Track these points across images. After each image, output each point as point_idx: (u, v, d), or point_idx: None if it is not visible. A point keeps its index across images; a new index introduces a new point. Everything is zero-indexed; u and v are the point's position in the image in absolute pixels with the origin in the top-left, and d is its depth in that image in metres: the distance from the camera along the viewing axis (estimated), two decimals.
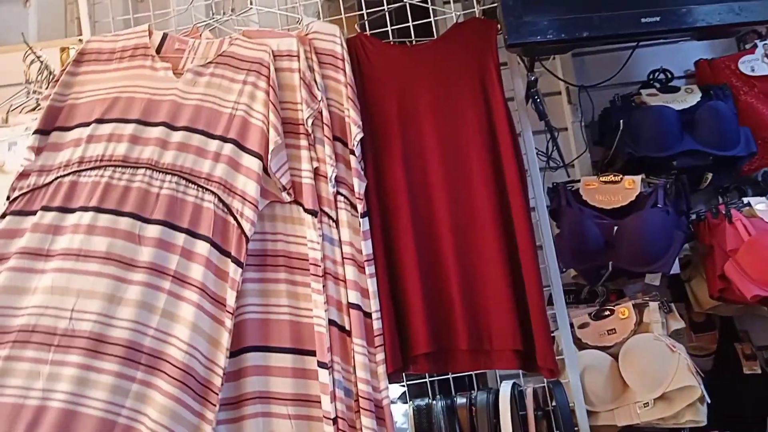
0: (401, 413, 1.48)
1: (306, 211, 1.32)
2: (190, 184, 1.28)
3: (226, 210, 1.27)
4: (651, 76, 1.83)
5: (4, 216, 1.25)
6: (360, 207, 1.34)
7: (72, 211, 1.25)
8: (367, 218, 1.34)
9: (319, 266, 1.28)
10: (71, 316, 1.17)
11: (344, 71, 1.42)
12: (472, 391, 1.46)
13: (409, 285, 1.34)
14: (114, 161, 1.29)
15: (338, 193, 1.35)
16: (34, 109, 1.57)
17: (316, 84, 1.39)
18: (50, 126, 1.33)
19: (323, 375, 1.22)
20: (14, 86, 1.67)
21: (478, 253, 1.36)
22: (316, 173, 1.35)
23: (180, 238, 1.24)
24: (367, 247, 1.32)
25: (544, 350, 1.28)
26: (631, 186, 1.61)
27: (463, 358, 1.34)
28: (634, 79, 1.86)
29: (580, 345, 1.54)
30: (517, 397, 1.41)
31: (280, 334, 1.25)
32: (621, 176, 1.62)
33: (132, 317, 1.17)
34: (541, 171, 1.54)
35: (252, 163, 1.30)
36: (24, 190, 1.27)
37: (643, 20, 1.43)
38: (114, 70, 1.40)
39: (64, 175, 1.28)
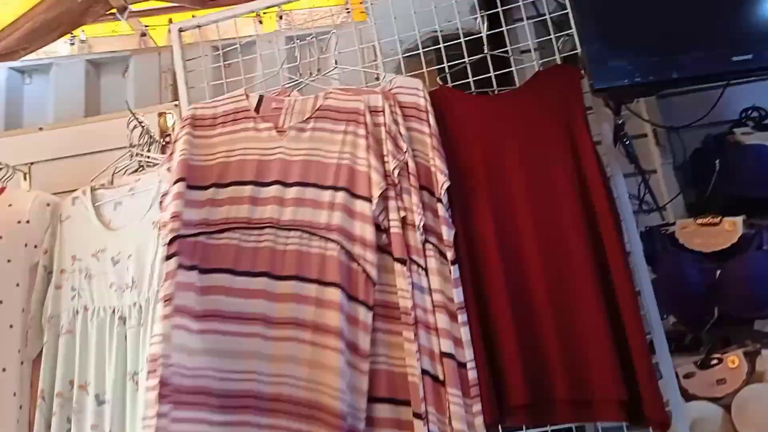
0: None
1: (395, 260, 1.32)
2: (312, 237, 1.33)
3: (349, 257, 1.31)
4: (744, 115, 1.77)
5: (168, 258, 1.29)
6: (449, 254, 1.33)
7: (208, 271, 1.30)
8: (457, 266, 1.33)
9: (410, 314, 1.27)
10: (231, 377, 1.23)
11: (428, 122, 1.44)
12: None
13: (503, 334, 1.30)
14: (240, 223, 1.35)
15: (426, 241, 1.35)
16: (136, 171, 1.66)
17: (401, 136, 1.42)
18: (170, 182, 1.39)
19: (419, 426, 1.19)
20: (117, 150, 1.77)
21: (575, 300, 1.32)
22: (404, 222, 1.36)
23: (312, 290, 1.28)
24: (458, 295, 1.31)
25: (652, 400, 1.22)
26: (732, 228, 1.54)
27: (564, 409, 1.28)
28: (724, 118, 1.80)
29: (687, 396, 1.45)
30: None
31: (377, 384, 1.24)
32: (720, 218, 1.56)
33: (285, 372, 1.22)
34: (634, 214, 1.50)
35: (365, 208, 1.34)
36: (174, 234, 1.31)
37: (734, 59, 1.39)
38: (219, 135, 1.46)
39: (194, 234, 1.33)
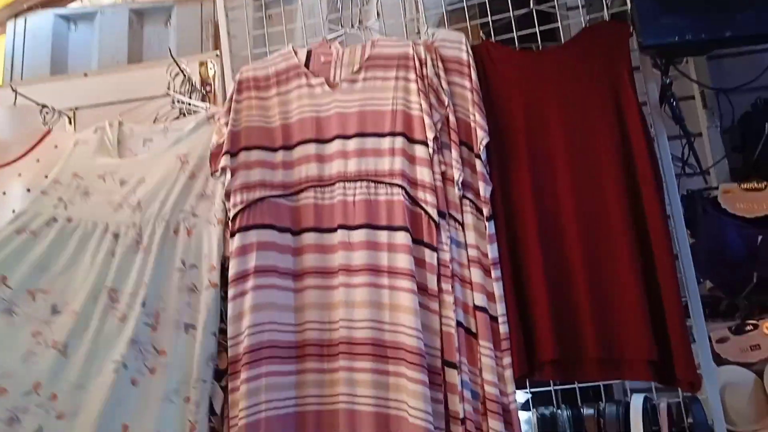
0: (524, 420, 1.45)
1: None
2: (378, 185, 1.35)
3: (412, 201, 1.34)
4: None
5: (233, 234, 1.34)
6: (486, 211, 1.34)
7: (298, 233, 1.37)
8: (492, 222, 1.34)
9: (448, 267, 1.29)
10: (329, 327, 1.30)
11: (470, 77, 1.43)
12: (600, 403, 1.41)
13: (535, 290, 1.31)
14: (312, 182, 1.39)
15: (464, 196, 1.36)
16: (177, 118, 1.68)
17: (443, 90, 1.41)
18: (236, 148, 1.41)
19: (452, 375, 1.22)
20: (160, 98, 1.79)
21: (610, 260, 1.31)
22: (444, 177, 1.36)
23: (383, 236, 1.32)
24: (493, 251, 1.32)
25: (684, 361, 1.22)
26: None
27: (592, 367, 1.29)
28: None
29: (719, 360, 1.45)
30: (650, 412, 1.34)
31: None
32: (765, 183, 1.52)
33: (367, 317, 1.27)
34: (676, 177, 1.47)
35: (422, 152, 1.36)
36: (239, 207, 1.36)
37: None
38: (276, 95, 1.48)
39: (273, 196, 1.38)
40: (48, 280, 1.31)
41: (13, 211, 1.46)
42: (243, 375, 1.23)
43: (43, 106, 1.73)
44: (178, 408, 1.22)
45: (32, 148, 1.58)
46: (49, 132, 1.63)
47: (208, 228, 1.38)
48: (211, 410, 1.25)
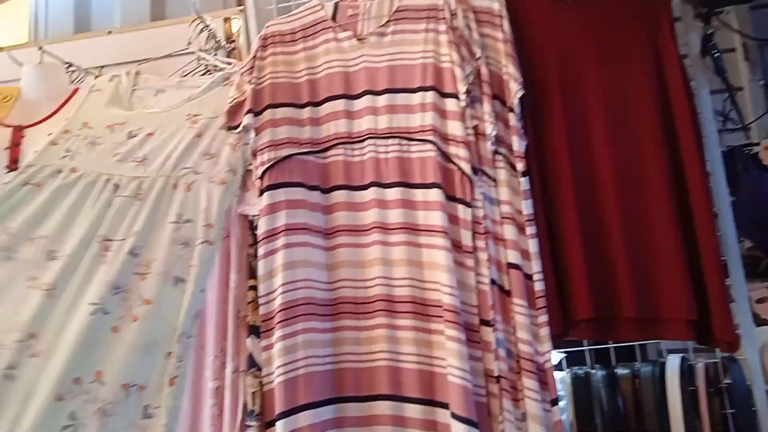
0: (557, 380, 1.43)
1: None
2: (411, 142, 1.32)
3: (444, 157, 1.31)
4: None
5: (262, 193, 1.33)
6: (520, 166, 1.30)
7: (328, 191, 1.34)
8: (527, 178, 1.30)
9: (482, 224, 1.26)
10: (363, 285, 1.28)
11: (502, 28, 1.38)
12: (635, 363, 1.39)
13: (570, 247, 1.29)
14: (341, 138, 1.36)
15: (497, 152, 1.32)
16: (203, 74, 1.65)
17: (475, 42, 1.37)
18: (260, 106, 1.39)
19: (487, 333, 1.21)
20: (185, 55, 1.76)
21: (647, 217, 1.28)
22: (476, 132, 1.33)
23: (418, 194, 1.30)
24: (527, 207, 1.28)
25: (722, 321, 1.19)
26: None
27: (629, 326, 1.28)
28: None
29: (758, 321, 1.42)
30: (687, 372, 1.32)
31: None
32: None
33: (406, 275, 1.26)
34: (717, 133, 1.42)
35: (453, 106, 1.32)
36: (267, 165, 1.34)
37: None
38: (302, 50, 1.45)
39: (301, 153, 1.35)
40: (48, 228, 1.32)
41: None
42: (278, 332, 1.23)
43: (69, 64, 1.71)
44: (155, 360, 1.20)
45: (60, 107, 1.56)
46: (76, 90, 1.62)
47: (208, 186, 1.36)
48: (252, 363, 1.25)
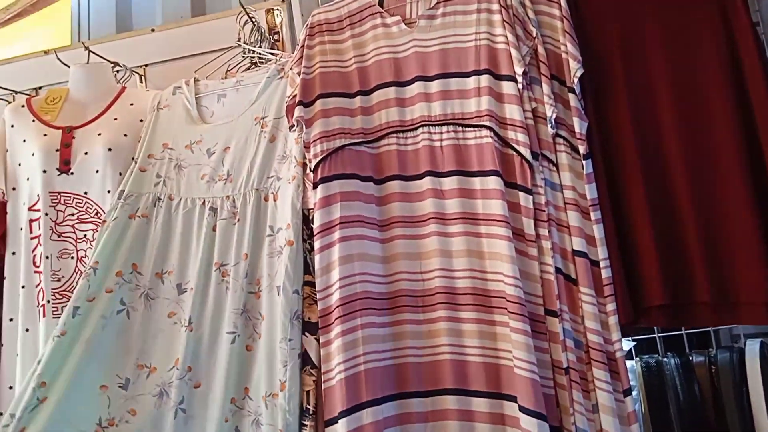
0: (628, 370, 1.39)
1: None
2: (466, 129, 1.28)
3: (502, 143, 1.26)
4: None
5: (316, 186, 1.30)
6: (582, 149, 1.25)
7: (381, 181, 1.31)
8: (590, 161, 1.25)
9: (544, 211, 1.22)
10: (422, 277, 1.25)
11: (559, 4, 1.32)
12: (710, 349, 1.33)
13: (639, 231, 1.23)
14: (393, 127, 1.32)
15: (557, 134, 1.27)
16: (249, 68, 1.63)
17: (530, 20, 1.31)
18: (310, 97, 1.36)
19: (553, 323, 1.17)
20: (228, 50, 1.74)
21: (720, 196, 1.22)
22: (534, 115, 1.28)
23: (476, 182, 1.26)
24: (591, 192, 1.23)
25: None
26: None
27: (704, 311, 1.22)
28: None
29: None
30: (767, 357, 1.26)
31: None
32: None
33: (467, 266, 1.22)
34: None
35: (510, 88, 1.27)
36: (320, 157, 1.31)
37: None
38: (350, 37, 1.41)
39: (353, 144, 1.32)
40: (169, 261, 1.37)
41: (97, 171, 1.46)
42: (337, 328, 1.21)
43: (115, 63, 1.72)
44: (275, 368, 1.23)
45: (109, 107, 1.57)
46: (124, 89, 1.62)
47: (285, 187, 1.35)
48: (305, 361, 1.24)
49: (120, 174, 1.45)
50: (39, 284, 1.44)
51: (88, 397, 1.25)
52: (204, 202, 1.39)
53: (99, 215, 1.45)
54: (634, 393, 1.27)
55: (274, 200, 1.35)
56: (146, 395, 1.27)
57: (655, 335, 1.42)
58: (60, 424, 1.21)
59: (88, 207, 1.46)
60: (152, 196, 1.41)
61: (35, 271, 1.45)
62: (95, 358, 1.27)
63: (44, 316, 1.41)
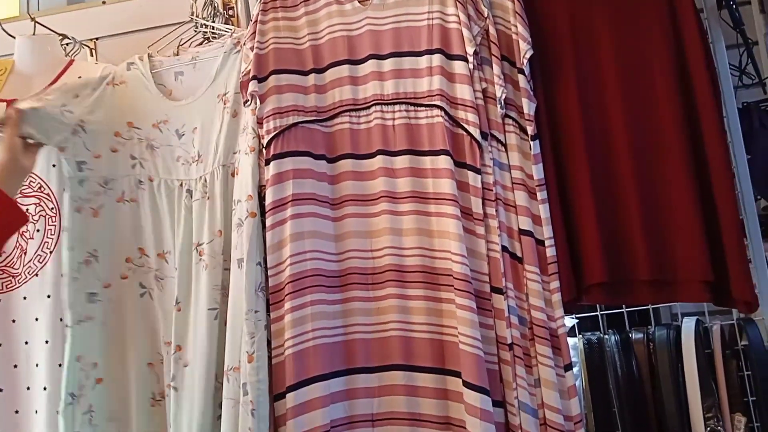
0: (570, 346, 1.41)
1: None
2: (418, 108, 1.29)
3: (453, 122, 1.27)
4: None
5: (268, 162, 1.29)
6: (530, 129, 1.27)
7: (334, 160, 1.31)
8: (537, 141, 1.27)
9: (492, 191, 1.23)
10: (372, 255, 1.26)
11: None
12: (649, 327, 1.37)
13: (583, 211, 1.26)
14: (346, 106, 1.32)
15: (507, 115, 1.29)
16: (201, 43, 1.61)
17: (482, 0, 1.32)
18: (264, 72, 1.34)
19: (498, 300, 1.19)
20: (181, 25, 1.71)
21: (662, 177, 1.25)
22: (485, 95, 1.29)
23: (426, 161, 1.27)
24: (538, 172, 1.26)
25: (741, 281, 1.17)
26: None
27: (643, 289, 1.26)
28: None
29: None
30: (702, 334, 1.30)
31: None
32: None
33: (416, 244, 1.24)
34: (734, 89, 1.38)
35: (461, 68, 1.28)
36: (273, 134, 1.30)
37: None
38: (304, 14, 1.39)
39: (306, 122, 1.31)
40: (165, 241, 1.38)
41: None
42: (287, 304, 1.21)
43: (64, 36, 1.67)
44: (239, 341, 1.23)
45: (56, 80, 1.52)
46: (72, 62, 1.58)
47: (244, 158, 1.34)
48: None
49: None
50: None
51: (139, 374, 1.33)
52: (182, 184, 1.39)
53: (42, 189, 1.42)
54: (575, 369, 1.31)
55: (237, 174, 1.35)
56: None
57: (597, 313, 1.46)
58: (122, 400, 1.32)
59: (31, 181, 1.43)
60: (133, 179, 1.41)
61: None
62: (136, 339, 1.35)
63: None
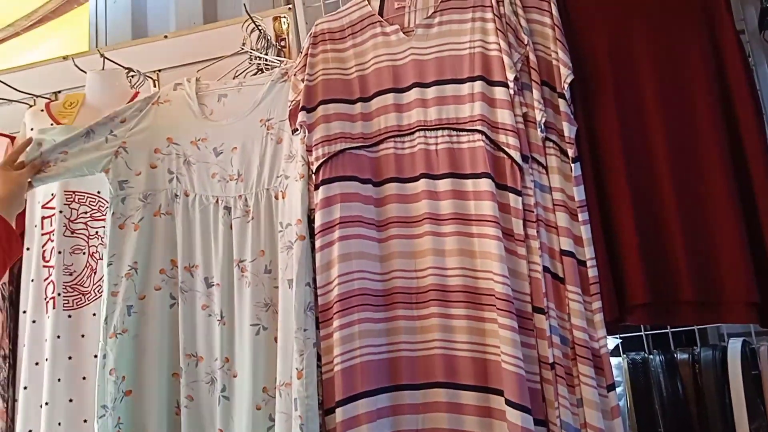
0: (614, 366, 1.42)
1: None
2: (460, 133, 1.34)
3: (494, 147, 1.31)
4: None
5: (317, 187, 1.36)
6: (571, 152, 1.30)
7: (379, 184, 1.38)
8: (578, 164, 1.30)
9: (533, 212, 1.27)
10: (416, 275, 1.31)
11: (550, 13, 1.37)
12: (695, 347, 1.36)
13: (624, 232, 1.27)
14: (391, 132, 1.38)
15: (547, 138, 1.32)
16: (255, 74, 1.70)
17: (522, 28, 1.36)
18: (313, 103, 1.42)
19: (540, 320, 1.22)
20: (237, 56, 1.80)
21: (705, 198, 1.25)
22: (525, 119, 1.33)
23: (468, 184, 1.31)
24: (579, 194, 1.28)
25: None
26: None
27: (687, 310, 1.26)
28: None
29: None
30: (749, 356, 1.29)
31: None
32: None
33: (459, 264, 1.28)
34: None
35: (502, 93, 1.33)
36: (321, 160, 1.37)
37: None
38: (351, 47, 1.46)
39: (353, 148, 1.38)
40: (194, 255, 1.44)
41: None
42: (335, 323, 1.27)
43: (129, 69, 1.79)
44: (290, 358, 1.28)
45: None
46: (137, 94, 1.70)
47: (293, 185, 1.41)
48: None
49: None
50: (48, 278, 1.53)
51: (165, 385, 1.39)
52: (218, 201, 1.45)
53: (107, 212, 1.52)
54: (619, 389, 1.31)
55: (283, 198, 1.41)
56: (200, 382, 1.38)
57: (642, 333, 1.46)
58: (150, 412, 1.37)
59: (100, 205, 1.54)
60: (169, 192, 1.47)
61: (44, 266, 1.54)
62: (163, 350, 1.40)
63: (54, 307, 1.50)
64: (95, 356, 1.44)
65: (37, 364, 1.50)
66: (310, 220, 1.37)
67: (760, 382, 1.28)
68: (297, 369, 1.26)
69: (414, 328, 1.29)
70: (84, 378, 1.48)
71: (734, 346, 1.29)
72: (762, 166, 1.23)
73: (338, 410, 1.22)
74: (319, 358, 1.29)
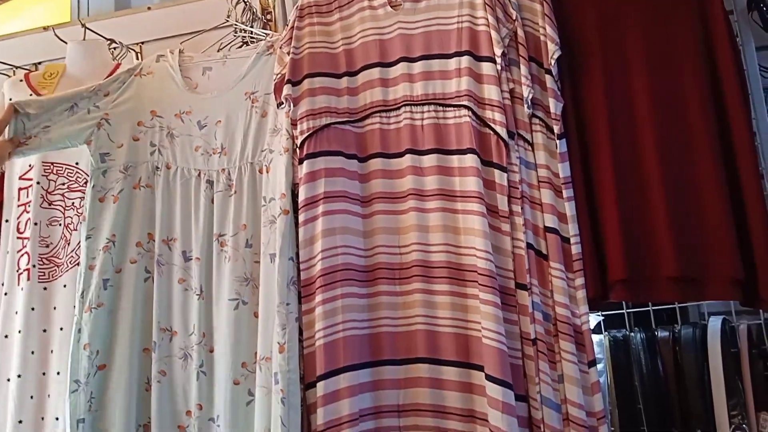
0: (596, 343, 1.43)
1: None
2: (446, 108, 1.33)
3: (480, 122, 1.30)
4: None
5: (302, 162, 1.35)
6: (556, 128, 1.29)
7: (365, 159, 1.36)
8: (564, 140, 1.29)
9: (518, 188, 1.26)
10: (399, 251, 1.30)
11: None
12: (675, 325, 1.37)
13: (606, 207, 1.27)
14: (377, 107, 1.37)
15: (533, 115, 1.31)
16: (240, 47, 1.67)
17: (511, 3, 1.35)
18: (298, 76, 1.40)
19: (523, 296, 1.22)
20: (222, 29, 1.78)
21: (690, 175, 1.25)
22: (512, 95, 1.32)
23: (454, 160, 1.30)
24: (564, 170, 1.28)
25: None
26: None
27: (669, 286, 1.25)
28: None
29: None
30: (728, 334, 1.30)
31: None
32: None
33: (443, 241, 1.27)
34: (764, 91, 1.38)
35: (489, 69, 1.32)
36: (306, 134, 1.35)
37: None
38: (338, 20, 1.45)
39: (339, 123, 1.37)
40: (173, 229, 1.42)
41: None
42: (318, 297, 1.26)
43: (111, 40, 1.76)
44: (271, 332, 1.28)
45: None
46: (118, 66, 1.66)
47: (278, 158, 1.39)
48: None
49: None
50: (21, 249, 1.50)
51: (136, 360, 1.37)
52: (200, 174, 1.43)
53: (87, 184, 1.48)
54: (600, 365, 1.32)
55: (267, 172, 1.40)
56: (173, 357, 1.36)
57: (624, 311, 1.47)
58: (120, 387, 1.34)
59: (78, 177, 1.51)
60: (151, 165, 1.45)
61: (18, 237, 1.51)
62: (135, 324, 1.38)
63: (29, 279, 1.48)
64: (61, 329, 1.43)
65: (6, 336, 1.47)
66: (294, 195, 1.36)
67: (739, 360, 1.29)
68: (279, 343, 1.25)
69: (397, 303, 1.28)
70: (51, 351, 1.45)
71: (714, 324, 1.30)
72: (747, 146, 1.24)
73: (319, 384, 1.21)
74: (300, 333, 1.28)
